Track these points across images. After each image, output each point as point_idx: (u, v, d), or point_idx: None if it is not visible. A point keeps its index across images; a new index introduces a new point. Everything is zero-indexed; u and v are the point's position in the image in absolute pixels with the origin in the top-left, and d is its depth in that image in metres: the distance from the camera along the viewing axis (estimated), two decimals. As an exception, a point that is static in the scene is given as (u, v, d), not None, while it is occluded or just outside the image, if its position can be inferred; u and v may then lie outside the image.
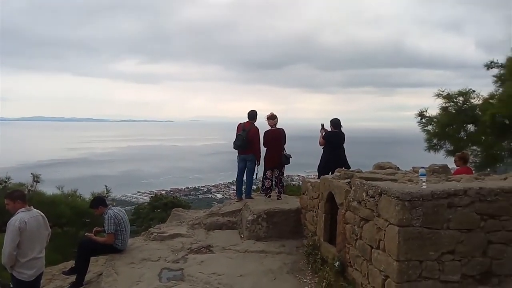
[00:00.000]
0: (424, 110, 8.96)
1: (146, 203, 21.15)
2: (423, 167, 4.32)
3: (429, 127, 8.88)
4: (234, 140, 7.83)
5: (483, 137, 7.64)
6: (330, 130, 7.65)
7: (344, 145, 7.81)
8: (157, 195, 22.80)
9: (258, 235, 6.79)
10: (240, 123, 7.85)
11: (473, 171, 6.61)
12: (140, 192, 59.34)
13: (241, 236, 7.05)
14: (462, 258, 4.00)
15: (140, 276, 5.45)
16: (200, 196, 57.07)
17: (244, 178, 8.03)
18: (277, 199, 7.67)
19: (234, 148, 7.92)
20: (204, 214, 7.85)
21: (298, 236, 6.90)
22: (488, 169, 8.01)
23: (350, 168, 6.85)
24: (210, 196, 57.37)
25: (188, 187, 65.32)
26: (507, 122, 7.03)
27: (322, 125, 7.72)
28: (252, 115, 7.82)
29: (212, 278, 5.40)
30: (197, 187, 65.82)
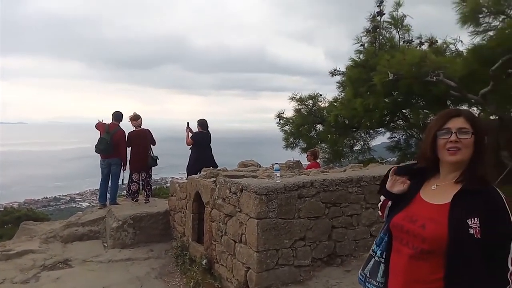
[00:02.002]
0: (282, 112, 9.83)
1: (-9, 219, 18.07)
2: (277, 163, 4.72)
3: (286, 128, 9.75)
4: (96, 143, 7.31)
5: (329, 136, 8.76)
6: (198, 130, 7.74)
7: (212, 145, 7.99)
8: (7, 208, 19.65)
9: (124, 243, 6.47)
10: (103, 124, 7.35)
11: (322, 166, 7.49)
12: (-16, 206, 50.34)
13: (104, 246, 6.61)
14: (311, 243, 4.50)
15: (-22, 304, 4.67)
16: (62, 207, 51.22)
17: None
18: (145, 202, 7.43)
19: (96, 152, 7.38)
20: (60, 225, 7.10)
21: (167, 239, 6.82)
22: (337, 164, 9.19)
23: (217, 167, 7.05)
24: (74, 205, 51.91)
25: (47, 197, 57.94)
26: (347, 122, 8.21)
27: (188, 124, 7.75)
28: (118, 116, 7.39)
29: (69, 295, 4.95)
30: (58, 196, 58.88)
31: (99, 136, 7.27)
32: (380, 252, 1.78)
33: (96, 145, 7.28)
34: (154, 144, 7.55)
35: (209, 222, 5.41)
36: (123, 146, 7.29)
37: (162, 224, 6.85)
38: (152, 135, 7.54)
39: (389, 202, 1.79)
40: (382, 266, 1.77)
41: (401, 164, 1.95)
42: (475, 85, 5.81)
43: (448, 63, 5.60)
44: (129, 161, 7.35)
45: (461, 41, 6.81)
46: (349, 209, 4.73)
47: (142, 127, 7.45)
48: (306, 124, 9.34)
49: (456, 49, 6.88)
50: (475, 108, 8.06)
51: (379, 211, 1.89)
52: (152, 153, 7.42)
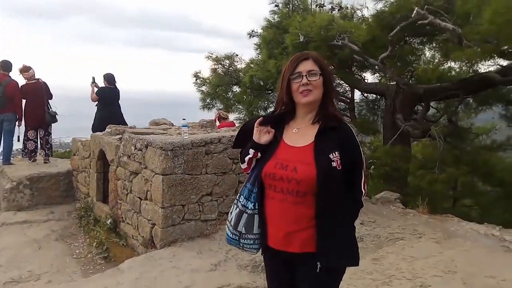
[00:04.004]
0: (198, 72, 9.61)
1: None
2: (184, 119, 4.64)
3: (203, 88, 9.61)
4: None
5: (245, 97, 8.85)
6: (104, 85, 7.22)
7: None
8: None
9: (20, 205, 5.98)
10: (-9, 75, 6.47)
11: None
12: None
13: (-3, 209, 6.06)
14: (218, 198, 4.56)
15: None
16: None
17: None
18: (45, 163, 6.85)
19: None
20: None
21: (70, 200, 6.45)
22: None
23: (127, 125, 6.70)
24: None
25: None
26: (262, 83, 8.33)
27: (93, 79, 7.16)
28: (6, 64, 6.50)
29: (-47, 262, 4.47)
30: None
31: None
32: (252, 204, 1.78)
33: (-15, 99, 6.44)
34: (51, 98, 6.88)
35: (114, 181, 5.20)
36: (18, 99, 6.52)
37: (64, 185, 6.43)
38: (48, 88, 6.85)
39: (259, 154, 1.81)
40: (256, 218, 1.78)
41: (262, 115, 2.00)
42: (376, 50, 6.21)
43: (353, 28, 5.88)
44: (24, 117, 6.64)
45: (367, 7, 7.18)
46: (255, 164, 4.86)
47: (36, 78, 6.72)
48: (222, 85, 9.27)
49: (362, 15, 7.26)
50: (377, 74, 8.70)
51: (244, 165, 1.88)
52: (50, 108, 6.77)
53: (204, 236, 4.43)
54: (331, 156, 1.64)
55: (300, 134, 1.76)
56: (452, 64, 7.46)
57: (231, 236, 1.85)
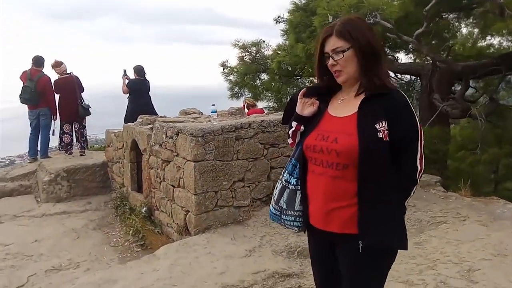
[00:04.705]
0: (226, 61, 9.53)
1: None
2: (213, 104, 4.57)
3: (231, 77, 9.54)
4: (20, 93, 6.69)
5: (273, 84, 8.71)
6: (134, 77, 7.30)
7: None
8: None
9: (59, 196, 6.16)
10: (25, 71, 6.68)
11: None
12: None
13: (37, 201, 6.27)
14: (250, 184, 4.50)
15: None
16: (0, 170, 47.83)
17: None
18: (80, 155, 7.04)
19: (21, 102, 6.77)
20: (-14, 182, 6.60)
21: (106, 191, 6.59)
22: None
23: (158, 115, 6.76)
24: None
25: (-20, 160, 53.74)
26: (290, 69, 8.15)
27: (125, 71, 7.26)
28: (38, 60, 6.68)
29: (-3, 251, 4.65)
30: (-6, 159, 54.81)
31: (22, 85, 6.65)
32: (295, 180, 1.71)
33: (20, 95, 6.66)
34: (83, 91, 7.04)
35: (147, 170, 5.25)
36: (51, 93, 6.70)
37: (100, 176, 6.57)
38: (80, 82, 7.00)
39: (302, 127, 1.71)
40: (298, 194, 1.70)
41: (308, 86, 1.87)
42: (410, 27, 5.92)
43: (385, 5, 5.61)
44: (58, 111, 6.83)
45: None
46: (287, 149, 4.74)
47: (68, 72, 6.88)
48: (250, 73, 9.17)
49: (394, -9, 6.91)
50: (411, 55, 8.33)
51: (289, 139, 1.80)
52: (83, 101, 6.92)
53: (237, 223, 4.39)
54: (377, 126, 1.49)
55: (345, 105, 1.63)
56: (492, 40, 7.04)
57: (273, 211, 1.79)
